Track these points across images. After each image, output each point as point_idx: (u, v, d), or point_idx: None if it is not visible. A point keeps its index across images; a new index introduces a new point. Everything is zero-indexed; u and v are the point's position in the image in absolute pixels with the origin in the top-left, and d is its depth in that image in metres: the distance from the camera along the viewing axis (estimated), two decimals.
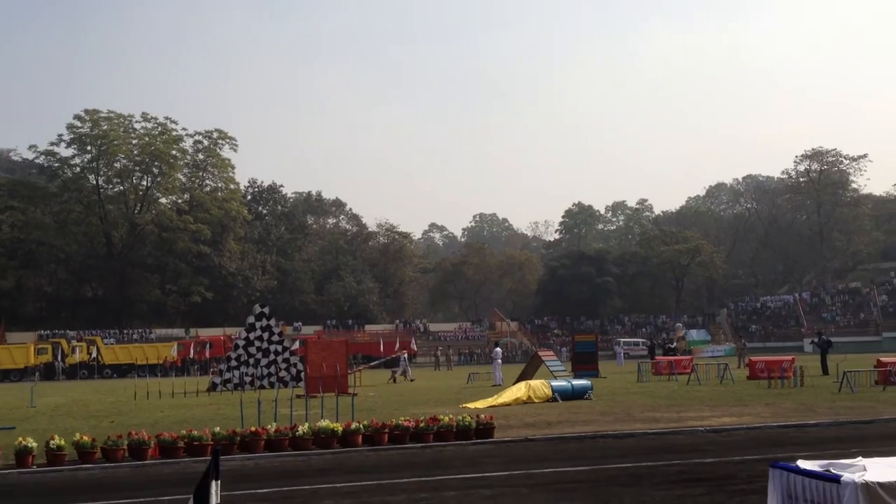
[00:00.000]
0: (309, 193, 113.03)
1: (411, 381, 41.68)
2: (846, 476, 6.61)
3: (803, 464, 7.40)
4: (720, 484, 11.00)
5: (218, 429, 15.81)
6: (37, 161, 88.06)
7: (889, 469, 6.94)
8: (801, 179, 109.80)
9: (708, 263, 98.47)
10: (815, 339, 38.60)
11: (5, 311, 77.01)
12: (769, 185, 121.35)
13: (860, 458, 7.47)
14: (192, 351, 62.22)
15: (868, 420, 18.03)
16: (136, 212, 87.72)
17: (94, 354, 64.59)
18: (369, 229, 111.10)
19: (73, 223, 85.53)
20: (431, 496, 10.78)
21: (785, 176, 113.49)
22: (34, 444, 14.43)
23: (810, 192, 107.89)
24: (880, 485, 6.45)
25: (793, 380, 29.63)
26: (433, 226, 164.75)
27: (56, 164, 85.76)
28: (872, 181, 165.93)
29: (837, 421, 17.93)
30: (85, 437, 14.92)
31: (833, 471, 6.92)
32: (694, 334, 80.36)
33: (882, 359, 30.57)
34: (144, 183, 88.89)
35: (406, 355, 48.63)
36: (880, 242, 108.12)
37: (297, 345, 42.63)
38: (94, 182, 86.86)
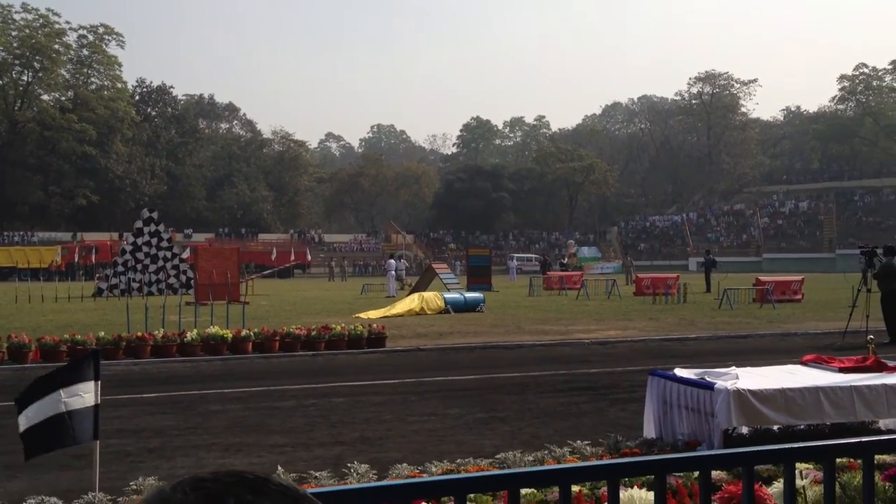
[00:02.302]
0: (201, 96, 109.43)
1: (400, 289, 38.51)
2: (719, 384, 6.91)
3: (680, 372, 7.71)
4: (603, 393, 11.38)
5: (102, 333, 15.45)
6: None
7: (759, 378, 7.29)
8: (694, 102, 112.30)
9: (601, 182, 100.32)
10: (704, 258, 40.03)
11: None
12: (663, 107, 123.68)
13: (733, 367, 7.82)
14: (77, 255, 60.36)
15: (744, 335, 18.88)
16: (16, 108, 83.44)
17: None
18: (264, 136, 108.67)
19: None
20: (321, 402, 10.83)
21: (678, 98, 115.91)
22: None
23: (701, 115, 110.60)
24: (751, 392, 6.77)
25: (677, 296, 30.76)
26: (330, 135, 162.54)
27: None
28: (760, 106, 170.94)
29: (716, 335, 18.72)
30: None
31: (707, 378, 7.22)
32: (585, 251, 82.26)
33: (760, 278, 31.96)
34: (25, 78, 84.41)
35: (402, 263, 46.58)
36: (765, 166, 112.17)
37: (187, 252, 41.81)
38: None
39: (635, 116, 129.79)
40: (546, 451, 6.90)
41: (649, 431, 7.64)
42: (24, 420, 5.23)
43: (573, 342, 17.57)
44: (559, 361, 14.78)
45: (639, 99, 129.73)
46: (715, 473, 5.00)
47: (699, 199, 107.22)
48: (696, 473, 4.93)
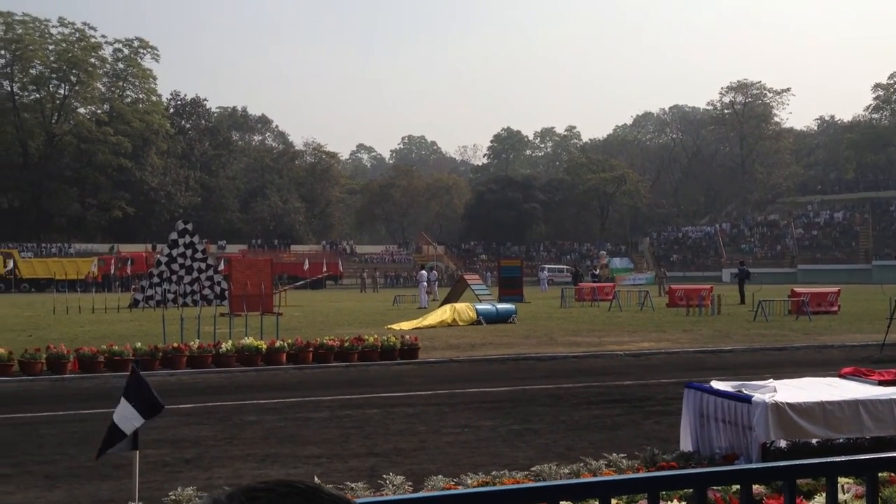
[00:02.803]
0: (234, 109, 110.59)
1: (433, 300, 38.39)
2: (757, 396, 6.86)
3: (717, 384, 7.66)
4: (637, 405, 11.31)
5: (139, 344, 15.63)
6: None
7: (798, 391, 7.23)
8: (726, 111, 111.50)
9: (633, 192, 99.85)
10: (737, 270, 39.67)
11: None
12: (694, 116, 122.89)
13: (771, 379, 7.75)
14: (113, 267, 61.01)
15: (780, 347, 18.69)
16: (53, 121, 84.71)
17: (10, 268, 62.86)
18: (296, 148, 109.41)
19: None
20: (355, 413, 10.87)
21: (710, 107, 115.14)
22: None
23: (734, 124, 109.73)
24: (789, 405, 6.72)
25: (710, 308, 30.50)
26: (361, 146, 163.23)
27: None
28: (794, 115, 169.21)
29: (751, 347, 18.55)
30: (1, 350, 14.60)
31: (745, 391, 7.17)
32: (617, 262, 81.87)
33: (796, 289, 31.61)
34: (62, 91, 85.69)
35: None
36: (799, 176, 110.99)
37: (221, 263, 42.19)
38: (9, 88, 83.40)
39: (667, 126, 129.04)
40: (582, 464, 6.88)
41: (686, 444, 7.59)
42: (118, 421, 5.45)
43: (606, 354, 17.49)
44: (592, 373, 14.73)
45: (670, 109, 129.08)
46: (754, 488, 4.96)
47: (732, 210, 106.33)
48: (735, 487, 4.89)
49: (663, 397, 11.79)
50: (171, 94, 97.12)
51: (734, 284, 41.47)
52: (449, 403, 11.63)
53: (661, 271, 56.22)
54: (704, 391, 7.54)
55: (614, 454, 7.11)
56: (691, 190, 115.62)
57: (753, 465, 4.97)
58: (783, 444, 7.18)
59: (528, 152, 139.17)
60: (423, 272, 40.79)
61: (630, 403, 11.46)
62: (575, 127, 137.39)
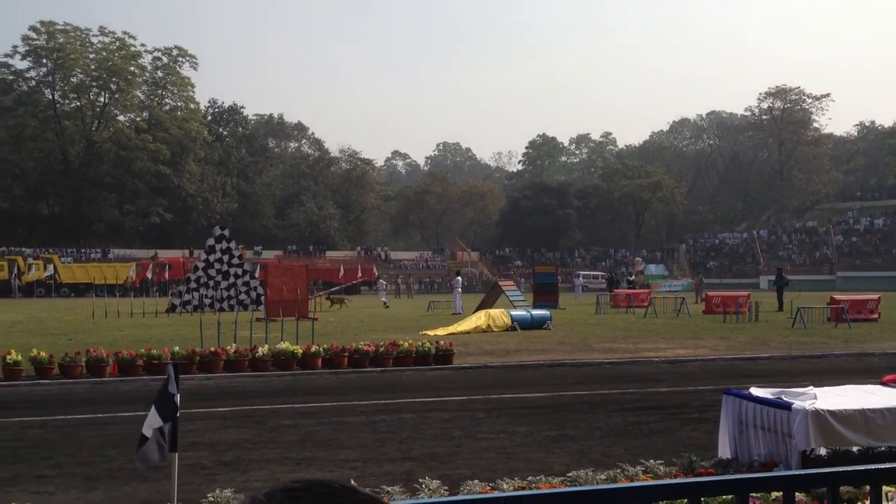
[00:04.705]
0: (270, 116, 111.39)
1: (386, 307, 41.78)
2: (797, 404, 6.77)
3: (756, 391, 7.57)
4: (673, 412, 11.22)
5: (177, 348, 15.78)
6: None
7: (838, 398, 7.13)
8: (764, 117, 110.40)
9: (669, 199, 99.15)
10: (775, 277, 39.21)
11: None
12: (732, 122, 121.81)
13: (811, 387, 7.65)
14: (150, 272, 61.72)
15: (819, 355, 18.44)
16: (93, 129, 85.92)
17: (51, 273, 63.79)
18: (331, 155, 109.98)
19: (29, 138, 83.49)
20: (390, 418, 10.89)
21: (748, 113, 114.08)
22: None
23: (772, 130, 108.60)
24: (829, 412, 6.63)
25: (748, 315, 30.15)
26: (396, 153, 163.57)
27: (10, 77, 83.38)
28: (833, 121, 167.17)
29: (790, 355, 18.33)
30: (42, 353, 14.81)
31: (784, 398, 7.08)
32: (652, 269, 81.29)
33: (835, 296, 31.18)
34: (102, 99, 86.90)
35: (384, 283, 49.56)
36: (838, 182, 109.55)
37: (258, 269, 42.49)
38: (51, 97, 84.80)
39: (703, 132, 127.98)
40: (618, 470, 6.84)
41: (724, 451, 7.52)
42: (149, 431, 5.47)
43: (642, 361, 17.37)
44: (628, 380, 14.63)
45: (707, 115, 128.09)
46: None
47: (770, 216, 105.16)
48: (774, 495, 4.83)
49: (700, 404, 11.68)
50: (209, 102, 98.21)
51: (772, 291, 40.99)
52: (484, 409, 11.61)
53: (699, 278, 55.68)
54: (743, 398, 7.46)
55: (651, 461, 7.05)
56: (728, 196, 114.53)
57: (797, 472, 4.91)
58: (823, 451, 7.08)
59: (564, 159, 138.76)
60: (458, 278, 40.80)
61: (666, 410, 11.37)
62: (611, 133, 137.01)
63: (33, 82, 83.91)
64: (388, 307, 41.65)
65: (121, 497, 7.21)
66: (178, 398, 5.77)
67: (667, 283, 76.27)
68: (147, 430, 5.46)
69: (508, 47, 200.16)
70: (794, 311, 27.08)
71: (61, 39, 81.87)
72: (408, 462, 8.35)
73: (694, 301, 42.34)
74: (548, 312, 27.54)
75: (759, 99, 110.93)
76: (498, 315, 26.12)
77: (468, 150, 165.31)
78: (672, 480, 5.03)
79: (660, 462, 6.99)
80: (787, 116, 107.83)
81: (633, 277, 58.87)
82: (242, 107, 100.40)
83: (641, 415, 11.00)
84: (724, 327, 26.49)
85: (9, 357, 14.44)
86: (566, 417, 10.84)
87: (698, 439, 9.20)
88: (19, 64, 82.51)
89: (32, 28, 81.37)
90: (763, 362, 17.33)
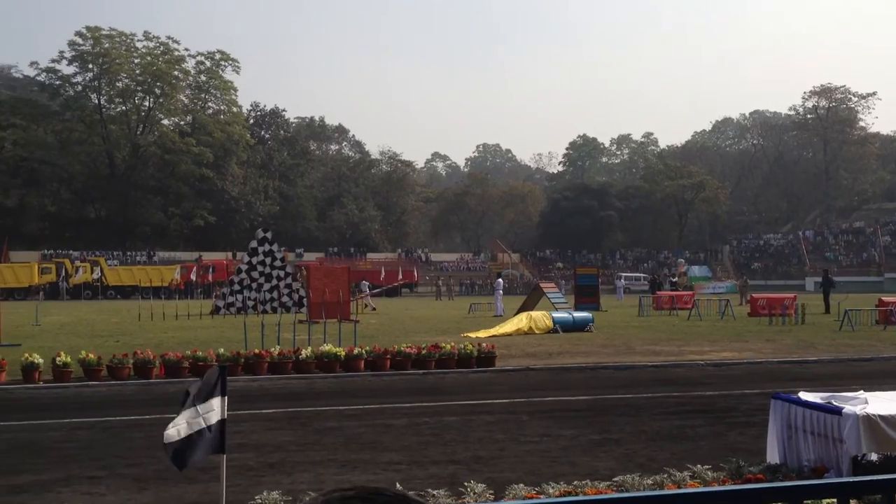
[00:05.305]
0: (312, 119, 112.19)
1: (373, 309, 41.16)
2: (848, 408, 6.67)
3: (805, 395, 7.46)
4: (719, 416, 11.11)
5: (222, 350, 15.95)
6: (38, 78, 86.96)
7: (890, 403, 7.00)
8: (809, 116, 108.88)
9: (712, 199, 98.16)
10: (821, 278, 38.65)
11: (8, 229, 77.06)
12: (776, 122, 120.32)
13: (861, 391, 7.52)
14: (194, 274, 62.46)
15: (868, 357, 18.15)
16: (138, 133, 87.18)
17: (97, 275, 64.84)
18: (372, 157, 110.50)
19: (76, 142, 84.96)
20: (433, 420, 10.91)
21: (792, 112, 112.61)
22: (40, 361, 14.58)
23: (817, 130, 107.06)
24: (881, 417, 6.52)
25: (794, 317, 29.75)
26: (436, 155, 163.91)
27: (57, 82, 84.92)
28: (880, 119, 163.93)
29: (838, 358, 18.05)
30: (91, 355, 15.05)
31: (834, 403, 6.98)
32: (696, 270, 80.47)
33: (884, 298, 30.66)
34: (146, 104, 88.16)
35: (367, 284, 49.41)
36: (886, 182, 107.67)
37: (299, 271, 42.75)
38: (97, 101, 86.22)
39: (747, 132, 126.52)
40: (665, 475, 6.78)
41: (773, 457, 7.42)
42: (174, 432, 5.47)
43: (687, 363, 17.21)
44: (673, 383, 14.51)
45: (750, 114, 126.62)
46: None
47: (816, 217, 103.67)
48: (826, 501, 4.76)
49: (747, 408, 11.55)
50: (251, 105, 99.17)
51: (818, 293, 40.44)
52: (527, 412, 11.58)
53: (743, 279, 55.03)
54: (792, 402, 7.35)
55: (698, 465, 6.98)
56: (773, 196, 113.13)
57: (851, 479, 4.83)
58: (874, 457, 6.95)
59: (605, 159, 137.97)
60: (500, 280, 40.75)
61: (712, 414, 11.26)
62: (652, 133, 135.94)
63: (80, 87, 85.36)
64: (374, 310, 40.75)
65: (170, 498, 7.30)
66: (225, 400, 5.83)
67: (710, 284, 75.36)
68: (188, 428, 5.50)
69: (548, 48, 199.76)
70: (841, 314, 26.68)
71: (107, 45, 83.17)
72: (452, 465, 8.35)
73: (738, 303, 41.88)
74: (590, 315, 27.42)
75: (803, 98, 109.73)
76: (540, 317, 26.06)
77: (508, 151, 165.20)
78: (723, 487, 4.98)
79: (707, 467, 6.92)
80: (832, 115, 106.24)
81: (676, 279, 58.39)
82: (284, 110, 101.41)
83: (687, 418, 10.91)
84: (770, 330, 26.16)
85: (58, 359, 14.70)
86: (610, 421, 10.77)
87: (745, 444, 9.10)
88: (66, 69, 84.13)
89: (79, 34, 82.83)
90: (810, 365, 17.09)
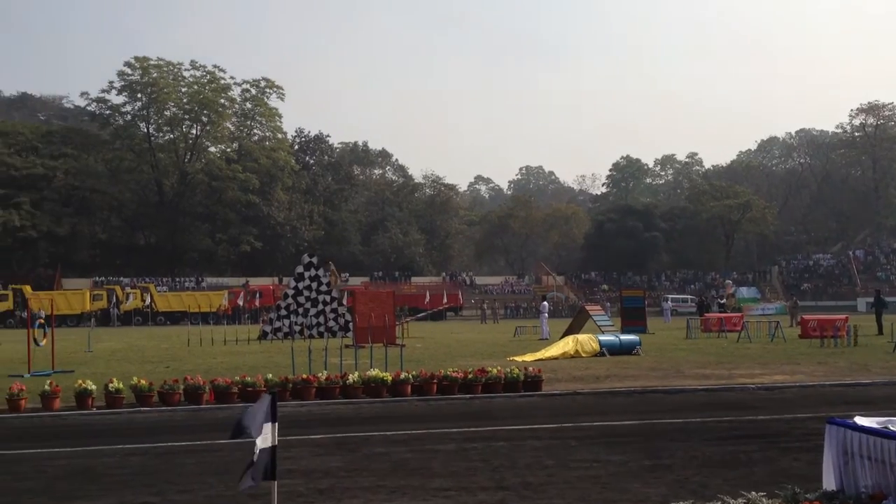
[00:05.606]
0: (355, 144, 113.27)
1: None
2: None
3: (861, 420, 7.31)
4: (773, 441, 10.92)
5: (270, 375, 16.06)
6: (88, 108, 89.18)
7: None
8: (857, 134, 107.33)
9: (759, 219, 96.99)
10: (874, 299, 37.98)
11: (61, 257, 78.72)
12: (823, 140, 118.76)
13: None
14: (241, 300, 63.13)
15: None
16: (186, 160, 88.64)
17: (147, 302, 65.84)
18: (415, 181, 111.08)
19: (126, 171, 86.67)
20: (482, 446, 10.86)
21: (840, 130, 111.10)
22: (94, 387, 14.81)
23: (866, 147, 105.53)
24: None
25: (846, 339, 29.21)
26: (479, 178, 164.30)
27: (107, 112, 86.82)
28: None
29: (893, 380, 17.66)
30: (142, 381, 15.25)
31: (891, 427, 6.83)
32: (744, 291, 79.53)
33: None
34: (194, 131, 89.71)
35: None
36: None
37: (345, 296, 43.01)
38: (145, 130, 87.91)
39: (793, 151, 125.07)
40: (719, 502, 6.68)
41: (829, 483, 7.26)
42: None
43: (737, 387, 16.96)
44: (723, 407, 14.30)
45: (797, 133, 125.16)
46: None
47: (866, 236, 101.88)
48: None
49: (801, 433, 11.35)
50: (296, 131, 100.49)
51: (870, 314, 39.69)
52: (576, 437, 11.49)
53: (793, 300, 54.20)
54: (848, 427, 7.20)
55: (753, 492, 6.86)
56: (821, 216, 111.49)
57: None
58: None
59: (649, 180, 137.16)
60: (545, 303, 40.59)
61: (765, 439, 11.07)
62: (697, 153, 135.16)
63: (129, 116, 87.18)
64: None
65: None
66: (275, 427, 5.87)
67: (759, 306, 74.48)
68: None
69: (588, 69, 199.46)
70: (894, 335, 26.10)
71: (155, 74, 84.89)
72: (501, 491, 8.30)
73: (789, 325, 41.25)
74: (637, 337, 27.17)
75: (850, 115, 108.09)
76: (586, 340, 25.88)
77: (551, 173, 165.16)
78: None
79: (762, 494, 6.79)
80: (880, 133, 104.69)
81: (724, 300, 57.72)
82: (328, 135, 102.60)
83: (739, 444, 10.74)
84: (822, 352, 25.70)
85: (111, 385, 14.91)
86: (661, 446, 10.64)
87: (800, 470, 8.93)
88: (116, 99, 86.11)
89: (128, 64, 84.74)
90: (865, 388, 16.74)
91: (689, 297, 76.38)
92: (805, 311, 47.98)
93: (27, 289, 64.84)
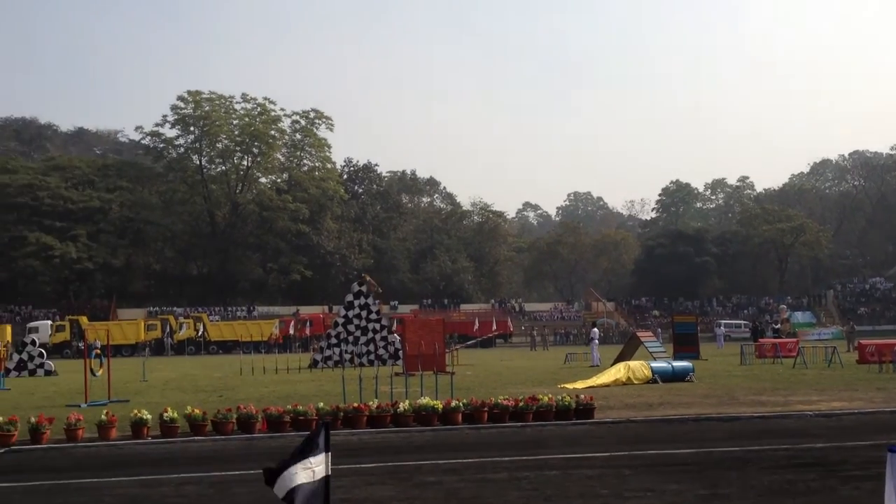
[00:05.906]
0: (403, 172, 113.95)
1: None
2: None
3: None
4: (832, 469, 10.69)
5: (322, 404, 16.14)
6: (143, 142, 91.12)
7: None
8: None
9: (813, 243, 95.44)
10: None
11: (116, 288, 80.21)
12: (877, 162, 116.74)
13: None
14: (292, 328, 63.66)
15: None
16: (237, 191, 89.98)
17: (200, 331, 66.68)
18: (463, 208, 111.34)
19: (179, 202, 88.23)
20: (534, 475, 10.79)
21: (894, 152, 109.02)
22: (149, 417, 15.01)
23: None
24: None
25: None
26: (527, 205, 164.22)
27: (161, 145, 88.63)
28: None
29: None
30: (196, 411, 15.42)
31: None
32: (799, 316, 78.15)
33: None
34: (245, 163, 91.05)
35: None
36: None
37: (395, 324, 43.14)
38: (198, 162, 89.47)
39: (847, 173, 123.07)
40: None
41: None
42: (281, 490, 5.50)
43: (794, 414, 16.64)
44: (780, 435, 14.03)
45: (850, 155, 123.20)
46: None
47: None
48: None
49: (861, 461, 11.09)
50: (345, 161, 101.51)
51: None
52: (629, 465, 11.35)
53: (850, 325, 53.13)
54: None
55: None
56: (877, 239, 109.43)
57: None
58: None
59: (699, 205, 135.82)
60: (595, 329, 40.25)
61: (824, 467, 10.84)
62: (748, 177, 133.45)
63: (182, 149, 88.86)
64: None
65: None
66: (329, 456, 5.89)
67: (815, 331, 73.02)
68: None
69: (636, 93, 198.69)
70: None
71: (207, 107, 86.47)
72: None
73: (846, 350, 40.41)
74: (689, 364, 26.82)
75: None
76: (638, 367, 25.59)
77: (599, 198, 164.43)
78: None
79: None
80: None
81: (779, 326, 56.63)
82: (376, 164, 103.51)
83: (798, 472, 10.53)
84: (881, 378, 25.13)
85: (165, 414, 15.10)
86: (717, 475, 10.48)
87: (861, 499, 8.74)
88: (169, 132, 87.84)
89: (180, 98, 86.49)
90: None
91: (742, 322, 75.27)
92: (862, 336, 47.00)
93: (84, 319, 66.13)
